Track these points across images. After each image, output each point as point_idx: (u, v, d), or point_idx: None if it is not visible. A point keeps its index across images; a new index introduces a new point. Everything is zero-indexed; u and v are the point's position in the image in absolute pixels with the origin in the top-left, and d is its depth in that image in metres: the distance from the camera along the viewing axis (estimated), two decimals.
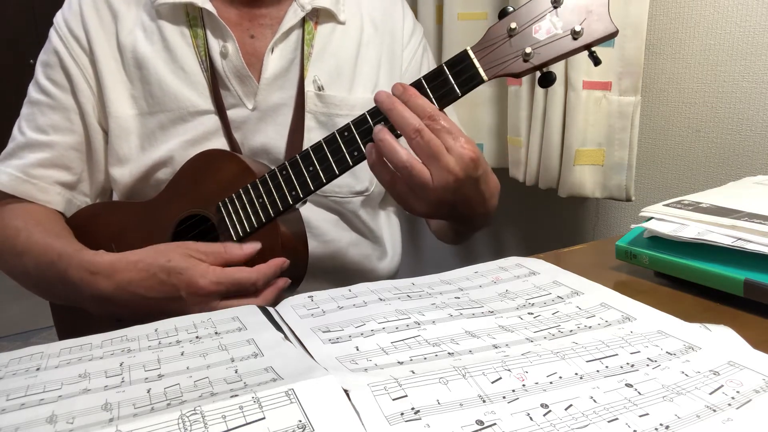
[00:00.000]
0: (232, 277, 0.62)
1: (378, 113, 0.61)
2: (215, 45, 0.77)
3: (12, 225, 0.76)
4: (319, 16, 0.81)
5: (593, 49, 0.59)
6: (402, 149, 0.59)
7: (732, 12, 0.93)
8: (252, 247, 0.66)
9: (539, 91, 1.09)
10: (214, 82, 0.77)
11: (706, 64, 0.97)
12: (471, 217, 0.67)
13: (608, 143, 1.02)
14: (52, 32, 0.81)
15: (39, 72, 0.81)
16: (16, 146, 0.80)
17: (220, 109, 0.77)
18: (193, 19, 0.77)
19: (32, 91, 0.81)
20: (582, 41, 0.58)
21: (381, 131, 0.59)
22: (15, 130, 0.81)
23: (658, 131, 1.06)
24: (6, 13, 3.52)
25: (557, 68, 1.03)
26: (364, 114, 0.62)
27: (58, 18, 0.81)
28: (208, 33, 0.77)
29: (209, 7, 0.76)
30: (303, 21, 0.79)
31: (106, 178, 0.83)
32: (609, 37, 0.58)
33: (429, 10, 1.28)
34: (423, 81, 0.61)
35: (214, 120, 0.77)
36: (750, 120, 0.93)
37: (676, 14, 0.99)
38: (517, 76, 0.60)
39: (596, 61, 0.59)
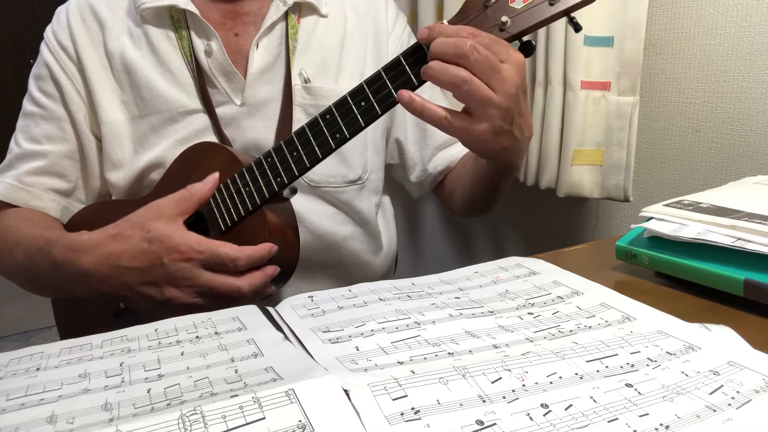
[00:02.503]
0: (212, 248, 0.62)
1: (358, 93, 0.62)
2: (200, 45, 0.78)
3: (4, 224, 0.78)
4: (301, 10, 0.83)
5: (572, 15, 0.57)
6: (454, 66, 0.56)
7: (732, 12, 0.93)
8: (212, 177, 0.68)
9: (538, 91, 1.09)
10: (201, 81, 0.78)
11: (706, 64, 0.97)
12: (521, 146, 0.63)
13: (607, 143, 1.02)
14: (42, 46, 0.83)
15: (32, 85, 0.83)
16: (13, 158, 0.82)
17: (209, 108, 0.78)
18: (177, 21, 0.79)
19: (26, 104, 0.83)
20: (559, 6, 0.57)
21: (429, 63, 0.57)
22: (12, 143, 0.84)
23: (657, 131, 1.06)
24: (6, 13, 3.52)
25: (556, 68, 1.03)
26: (344, 96, 0.62)
27: (48, 32, 0.83)
28: (192, 34, 0.79)
29: (191, 8, 0.77)
30: (286, 15, 0.81)
31: (101, 185, 0.85)
32: (587, 2, 0.56)
33: (429, 10, 1.29)
34: (401, 58, 0.60)
35: (203, 119, 0.78)
36: (750, 120, 0.93)
37: (676, 14, 0.99)
38: None
39: (576, 27, 0.58)
